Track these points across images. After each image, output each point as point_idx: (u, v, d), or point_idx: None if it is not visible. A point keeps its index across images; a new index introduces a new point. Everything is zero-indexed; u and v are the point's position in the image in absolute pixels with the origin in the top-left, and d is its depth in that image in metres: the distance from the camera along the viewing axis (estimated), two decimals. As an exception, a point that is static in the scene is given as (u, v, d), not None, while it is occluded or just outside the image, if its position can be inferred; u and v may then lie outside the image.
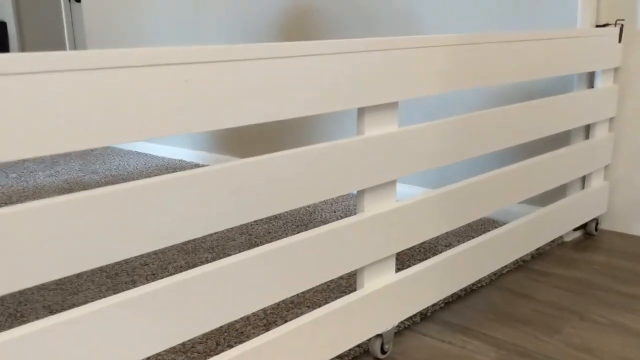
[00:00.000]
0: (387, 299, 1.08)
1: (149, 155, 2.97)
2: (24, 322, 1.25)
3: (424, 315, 1.25)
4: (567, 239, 1.68)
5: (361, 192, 1.02)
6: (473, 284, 1.37)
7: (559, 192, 1.67)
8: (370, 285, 1.06)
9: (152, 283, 0.77)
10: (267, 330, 1.16)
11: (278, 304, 1.26)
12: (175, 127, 0.72)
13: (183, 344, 1.11)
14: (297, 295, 1.30)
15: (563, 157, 1.52)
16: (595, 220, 1.70)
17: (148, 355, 0.77)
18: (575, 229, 1.70)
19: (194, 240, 1.71)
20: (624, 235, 1.70)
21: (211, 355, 1.08)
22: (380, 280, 1.07)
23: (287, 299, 1.28)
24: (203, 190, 0.78)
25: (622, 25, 1.58)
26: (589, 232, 1.71)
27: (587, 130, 1.64)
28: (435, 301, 1.21)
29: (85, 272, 1.49)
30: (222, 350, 1.10)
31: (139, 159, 2.87)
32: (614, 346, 1.12)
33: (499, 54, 1.22)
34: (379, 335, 1.09)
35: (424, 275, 1.15)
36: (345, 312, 1.02)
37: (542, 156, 1.47)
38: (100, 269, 1.50)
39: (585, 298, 1.32)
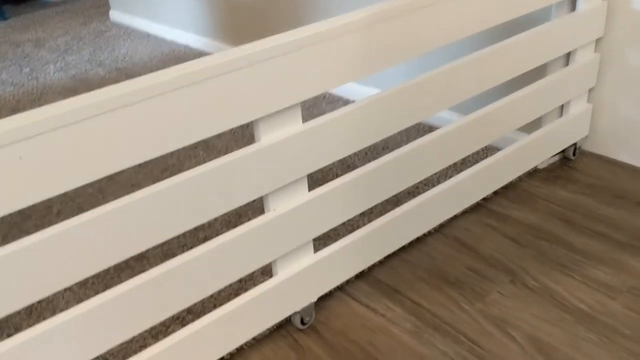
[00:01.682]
0: (304, 281, 1.13)
1: (158, 38, 2.94)
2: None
3: (361, 273, 1.30)
4: (542, 165, 1.63)
5: (268, 195, 1.02)
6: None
7: (535, 121, 1.60)
8: (284, 272, 1.11)
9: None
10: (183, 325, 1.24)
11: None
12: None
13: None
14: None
15: (541, 90, 1.43)
16: (574, 145, 1.63)
17: None
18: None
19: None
20: (603, 159, 1.63)
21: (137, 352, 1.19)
22: (296, 266, 1.12)
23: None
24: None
25: (615, -64, 1.38)
26: (566, 156, 1.65)
27: (569, 55, 1.51)
28: (361, 269, 1.26)
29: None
30: (149, 345, 1.20)
31: (147, 46, 2.85)
32: (529, 320, 1.15)
33: (435, 16, 1.11)
34: (298, 311, 1.16)
35: (345, 252, 1.19)
36: (260, 299, 1.09)
37: (518, 93, 1.40)
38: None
39: (529, 252, 1.32)
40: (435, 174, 1.59)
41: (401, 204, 1.48)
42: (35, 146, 0.74)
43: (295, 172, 1.02)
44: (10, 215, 1.62)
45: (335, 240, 1.35)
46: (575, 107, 1.57)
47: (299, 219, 1.06)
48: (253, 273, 1.29)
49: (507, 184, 1.56)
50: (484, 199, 1.51)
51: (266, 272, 1.30)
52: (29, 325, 1.24)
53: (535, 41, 1.36)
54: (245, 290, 1.25)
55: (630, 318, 1.13)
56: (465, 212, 1.47)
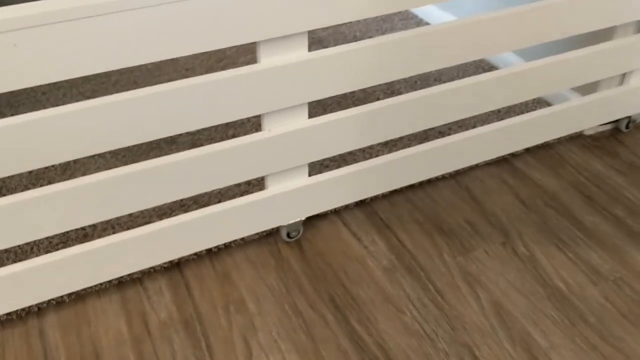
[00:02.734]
0: (293, 200, 1.20)
1: None
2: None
3: (362, 202, 1.35)
4: (589, 132, 1.55)
5: (264, 115, 1.07)
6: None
7: (593, 85, 1.50)
8: (274, 188, 1.17)
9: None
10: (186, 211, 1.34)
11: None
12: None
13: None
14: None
15: (603, 53, 1.35)
16: (629, 118, 1.53)
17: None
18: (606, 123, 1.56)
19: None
20: (657, 139, 1.53)
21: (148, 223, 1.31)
22: (287, 185, 1.18)
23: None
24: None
25: None
26: (618, 127, 1.56)
27: (643, 21, 1.39)
28: (359, 199, 1.30)
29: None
30: (152, 222, 1.32)
31: None
32: (501, 285, 1.17)
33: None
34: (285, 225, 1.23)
35: (341, 181, 1.23)
36: (251, 206, 1.17)
37: (580, 51, 1.33)
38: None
39: (533, 218, 1.31)
40: (475, 117, 1.56)
41: (430, 140, 1.48)
42: (114, 22, 0.84)
43: (294, 98, 1.05)
44: (74, 76, 1.76)
45: (351, 163, 1.40)
46: (638, 79, 1.46)
47: (293, 143, 1.11)
48: (262, 178, 1.37)
49: (543, 143, 1.51)
50: (512, 154, 1.48)
51: (274, 180, 1.37)
52: (60, 181, 1.39)
53: (607, 1, 1.26)
54: (250, 193, 1.33)
55: (601, 307, 1.12)
56: (488, 164, 1.46)
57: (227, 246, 1.25)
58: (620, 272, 1.19)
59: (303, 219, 1.25)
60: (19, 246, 1.22)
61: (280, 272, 1.19)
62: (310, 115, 1.53)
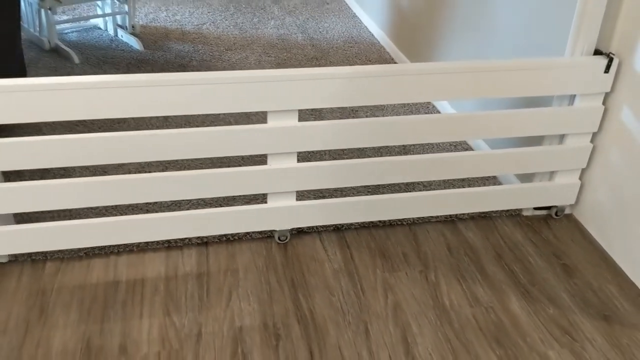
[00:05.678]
0: (283, 214, 1.83)
1: (357, 21, 3.66)
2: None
3: (338, 227, 1.96)
4: (526, 213, 2.06)
5: (268, 155, 1.73)
6: (394, 219, 1.98)
7: (531, 175, 2.03)
8: (272, 204, 1.82)
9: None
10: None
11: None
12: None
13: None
14: (284, 187, 2.09)
15: (532, 153, 1.89)
16: (556, 208, 2.02)
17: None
18: (543, 208, 2.05)
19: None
20: (578, 227, 2.00)
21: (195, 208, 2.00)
22: (280, 203, 1.82)
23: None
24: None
25: (612, 58, 1.74)
26: (550, 214, 2.05)
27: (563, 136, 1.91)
28: (332, 223, 1.90)
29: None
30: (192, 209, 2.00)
31: (345, 25, 3.59)
32: (405, 294, 1.71)
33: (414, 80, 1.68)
34: (277, 230, 1.87)
35: (316, 208, 1.85)
36: (256, 212, 1.82)
37: (518, 149, 1.89)
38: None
39: (451, 261, 1.85)
40: (437, 181, 2.13)
41: (401, 192, 2.06)
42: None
43: (287, 148, 1.71)
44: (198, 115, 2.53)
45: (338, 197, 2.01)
46: (563, 179, 1.97)
47: (285, 176, 1.76)
48: (265, 195, 2.02)
49: (485, 214, 2.04)
50: (458, 217, 2.02)
51: (284, 204, 2.02)
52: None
53: (535, 118, 1.81)
54: (261, 202, 1.99)
55: (467, 321, 1.64)
56: (437, 220, 2.01)
57: (240, 237, 1.90)
58: (494, 303, 1.70)
59: (290, 229, 1.88)
60: (134, 206, 1.95)
61: (266, 259, 1.82)
62: (299, 160, 2.17)
